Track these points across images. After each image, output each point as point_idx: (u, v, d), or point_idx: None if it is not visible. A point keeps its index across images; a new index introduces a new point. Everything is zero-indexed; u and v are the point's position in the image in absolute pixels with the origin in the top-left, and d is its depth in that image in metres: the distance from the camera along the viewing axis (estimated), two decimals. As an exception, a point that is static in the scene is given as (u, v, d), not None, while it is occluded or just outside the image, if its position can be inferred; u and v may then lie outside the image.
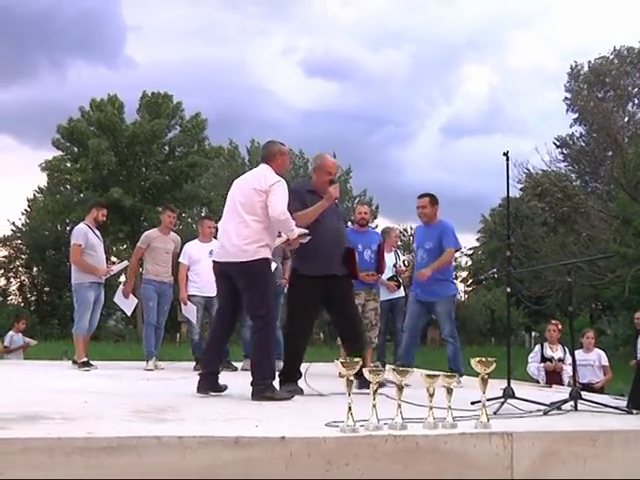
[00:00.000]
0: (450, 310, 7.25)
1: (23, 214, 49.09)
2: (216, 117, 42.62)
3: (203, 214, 36.89)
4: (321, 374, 7.08)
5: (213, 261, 5.81)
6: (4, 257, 49.65)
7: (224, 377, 5.78)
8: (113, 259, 39.22)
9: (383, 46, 79.28)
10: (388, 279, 9.38)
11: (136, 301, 9.22)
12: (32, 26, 66.80)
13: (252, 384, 5.41)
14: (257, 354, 5.56)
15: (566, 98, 35.13)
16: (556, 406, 4.72)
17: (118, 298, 8.97)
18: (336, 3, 78.39)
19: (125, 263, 9.54)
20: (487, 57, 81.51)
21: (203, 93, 68.37)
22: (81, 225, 8.94)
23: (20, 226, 49.25)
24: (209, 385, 5.53)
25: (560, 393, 5.91)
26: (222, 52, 74.09)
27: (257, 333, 5.56)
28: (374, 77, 73.90)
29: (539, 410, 4.61)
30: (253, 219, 5.46)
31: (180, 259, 8.97)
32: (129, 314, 9.24)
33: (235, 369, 8.44)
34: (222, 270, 5.64)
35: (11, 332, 11.74)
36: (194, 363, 8.76)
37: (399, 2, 78.46)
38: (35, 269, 49.48)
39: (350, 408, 3.53)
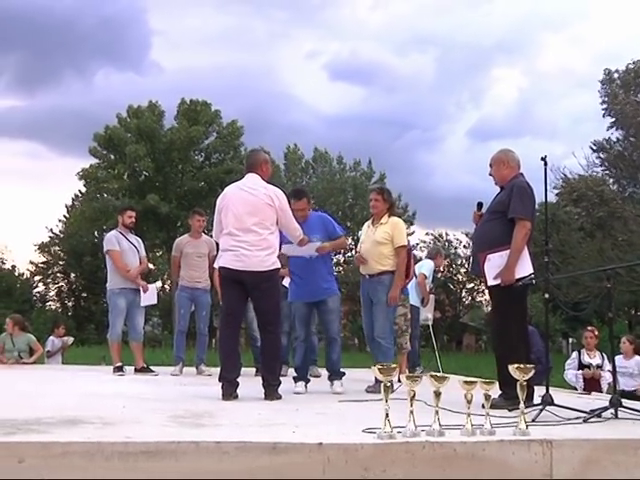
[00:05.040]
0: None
1: (60, 221, 49.80)
2: (243, 122, 42.83)
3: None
4: (358, 380, 7.09)
5: (225, 268, 5.84)
6: (42, 263, 50.41)
7: (259, 382, 5.81)
8: (150, 266, 39.54)
9: (410, 50, 79.32)
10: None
11: (154, 287, 9.15)
12: (54, 34, 68.13)
13: (266, 385, 5.75)
14: (271, 357, 5.91)
15: (602, 102, 34.75)
16: (596, 413, 4.65)
17: (143, 301, 8.78)
18: (364, 8, 78.51)
19: (158, 285, 9.38)
20: (517, 60, 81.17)
21: (230, 98, 68.88)
22: (111, 232, 9.02)
23: (58, 233, 49.97)
24: (234, 391, 5.66)
25: (599, 400, 5.83)
26: (249, 57, 74.53)
27: (271, 337, 5.90)
28: (401, 81, 73.98)
29: (578, 417, 4.55)
30: (268, 232, 5.78)
31: (215, 264, 8.96)
32: (155, 301, 9.11)
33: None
34: (236, 277, 5.78)
35: (52, 337, 11.89)
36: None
37: (427, 6, 78.55)
38: (72, 275, 50.14)
39: (387, 414, 3.52)
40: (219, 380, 5.74)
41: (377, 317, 6.65)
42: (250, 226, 5.74)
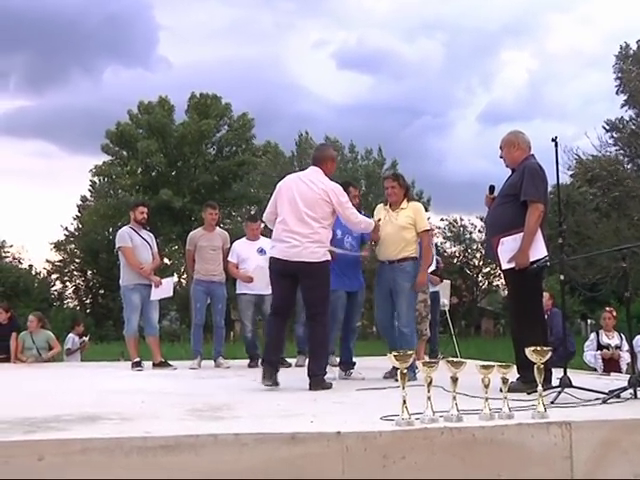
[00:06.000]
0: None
1: (75, 219, 50.02)
2: (253, 114, 42.77)
3: (252, 212, 37.01)
4: (374, 367, 7.09)
5: (276, 258, 5.93)
6: (59, 262, 50.65)
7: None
8: (166, 261, 39.75)
9: (418, 36, 79.06)
10: (431, 273, 9.45)
11: (170, 280, 9.17)
12: (60, 33, 68.48)
13: (311, 375, 5.74)
14: (318, 347, 5.91)
15: (617, 78, 34.43)
16: (615, 394, 4.63)
17: (155, 295, 8.75)
18: (371, -5, 78.05)
19: (174, 279, 9.42)
20: (525, 42, 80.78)
21: (239, 91, 68.79)
22: (123, 228, 9.02)
23: (73, 231, 50.20)
24: (274, 373, 5.73)
25: (618, 381, 5.81)
26: (257, 49, 74.46)
27: (318, 328, 5.91)
28: (409, 68, 73.67)
29: (597, 399, 4.53)
30: (320, 226, 5.84)
31: (229, 257, 8.97)
32: (171, 294, 9.11)
33: (289, 365, 8.47)
34: (287, 268, 5.84)
35: (71, 335, 11.93)
36: (248, 360, 8.82)
37: (433, -9, 77.95)
38: (89, 272, 50.38)
39: (405, 401, 3.51)
40: (261, 363, 5.85)
41: (401, 306, 6.55)
42: (304, 218, 5.82)
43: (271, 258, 6.03)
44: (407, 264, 6.56)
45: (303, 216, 5.82)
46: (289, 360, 8.65)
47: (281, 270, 5.90)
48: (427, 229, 6.77)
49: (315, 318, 5.94)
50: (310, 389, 5.65)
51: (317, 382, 5.71)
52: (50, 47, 70.28)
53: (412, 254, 6.60)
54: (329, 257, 5.97)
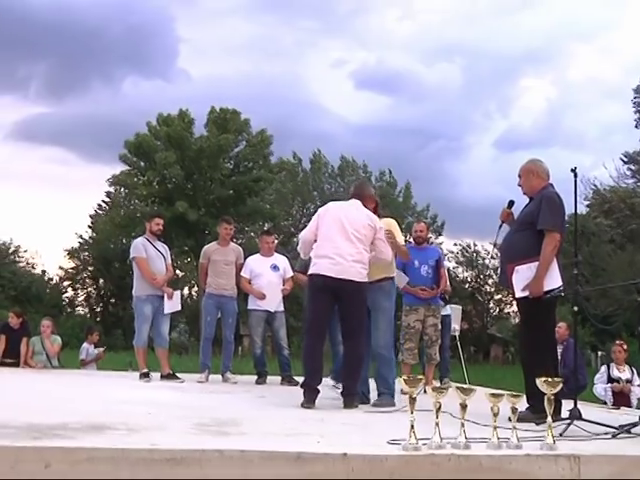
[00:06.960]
0: None
1: (90, 227, 50.26)
2: (270, 130, 42.70)
3: (265, 228, 37.07)
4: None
5: (318, 275, 5.92)
6: (72, 269, 50.87)
7: (285, 391, 5.80)
8: (178, 272, 39.81)
9: (437, 59, 79.00)
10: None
11: (177, 293, 9.07)
12: (82, 42, 68.58)
13: (345, 394, 5.85)
14: (353, 365, 5.97)
15: (636, 111, 34.39)
16: (625, 429, 4.58)
17: (168, 308, 8.74)
18: (392, 18, 78.02)
19: (182, 292, 9.33)
20: (546, 70, 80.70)
21: (257, 106, 68.58)
22: (138, 239, 9.06)
23: (87, 238, 50.42)
24: (315, 397, 5.74)
25: (629, 415, 5.76)
26: (276, 66, 74.46)
27: (360, 347, 5.98)
28: (427, 90, 73.57)
29: (607, 433, 4.49)
30: (365, 249, 5.96)
31: (242, 272, 8.98)
32: (179, 308, 9.05)
33: (297, 383, 8.44)
34: (330, 285, 5.85)
35: (85, 344, 11.79)
36: (256, 377, 8.81)
37: (456, 15, 77.74)
38: (101, 281, 50.54)
39: (413, 426, 3.49)
40: (301, 387, 5.85)
41: (380, 327, 6.37)
42: (350, 237, 5.89)
43: (312, 275, 6.02)
44: (386, 284, 6.47)
45: (350, 235, 5.89)
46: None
47: (321, 286, 5.90)
48: (402, 245, 6.78)
49: (352, 337, 5.99)
50: (344, 407, 5.73)
51: (351, 400, 5.79)
52: (71, 56, 70.81)
53: (390, 274, 6.54)
54: (367, 280, 6.00)
